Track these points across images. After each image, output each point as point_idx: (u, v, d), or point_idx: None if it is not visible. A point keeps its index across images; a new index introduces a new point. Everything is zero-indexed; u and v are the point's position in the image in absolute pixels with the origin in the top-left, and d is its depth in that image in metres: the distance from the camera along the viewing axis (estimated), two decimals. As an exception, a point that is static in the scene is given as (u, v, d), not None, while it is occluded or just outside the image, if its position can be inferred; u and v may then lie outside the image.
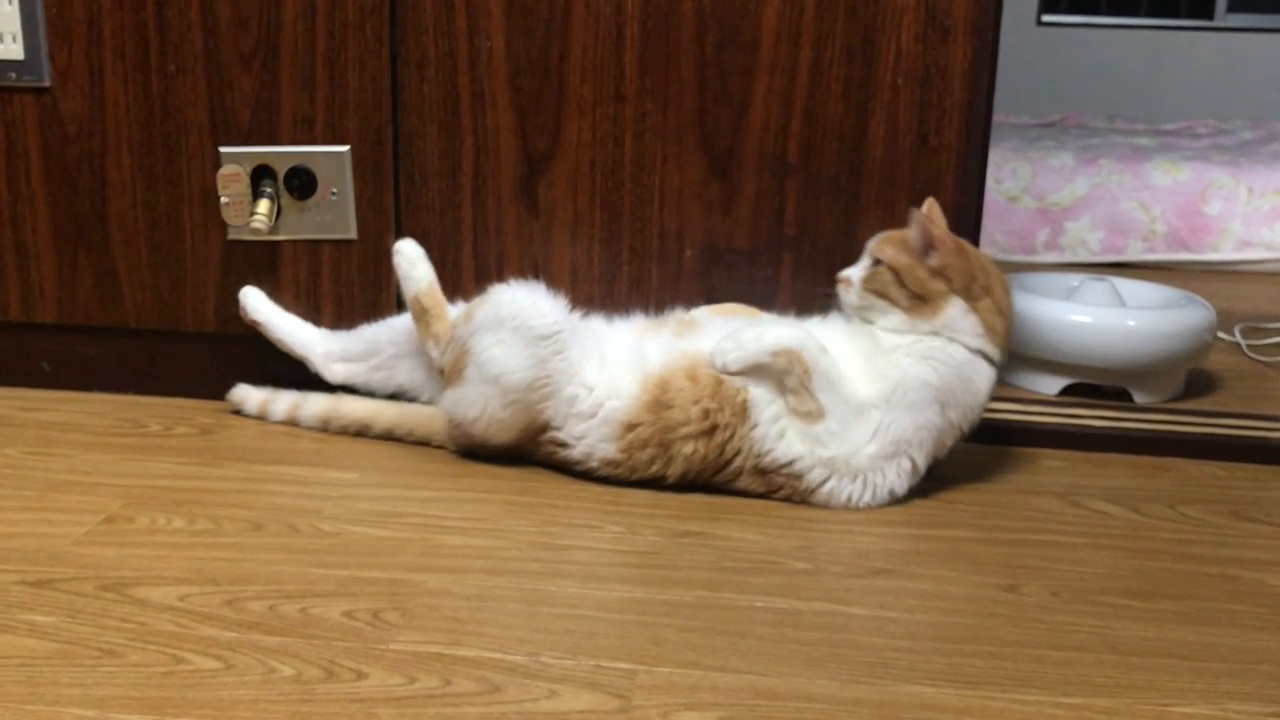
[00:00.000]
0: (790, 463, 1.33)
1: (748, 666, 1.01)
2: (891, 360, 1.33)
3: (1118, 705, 0.97)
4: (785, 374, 1.31)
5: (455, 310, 1.46)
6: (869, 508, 1.34)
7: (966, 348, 1.35)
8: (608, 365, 1.36)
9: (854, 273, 1.38)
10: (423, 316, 1.44)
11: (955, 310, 1.34)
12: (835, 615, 1.10)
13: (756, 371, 1.33)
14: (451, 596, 1.11)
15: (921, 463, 1.35)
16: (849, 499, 1.34)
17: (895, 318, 1.35)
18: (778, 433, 1.32)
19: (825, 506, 1.34)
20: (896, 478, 1.34)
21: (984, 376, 1.37)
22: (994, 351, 1.37)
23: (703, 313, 1.45)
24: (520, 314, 1.34)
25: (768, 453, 1.33)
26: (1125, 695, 0.99)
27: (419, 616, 1.07)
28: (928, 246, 1.34)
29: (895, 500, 1.36)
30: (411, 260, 1.46)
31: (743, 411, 1.32)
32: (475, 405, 1.37)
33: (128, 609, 1.06)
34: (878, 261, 1.37)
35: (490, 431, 1.39)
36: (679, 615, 1.09)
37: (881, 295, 1.36)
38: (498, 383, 1.34)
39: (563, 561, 1.19)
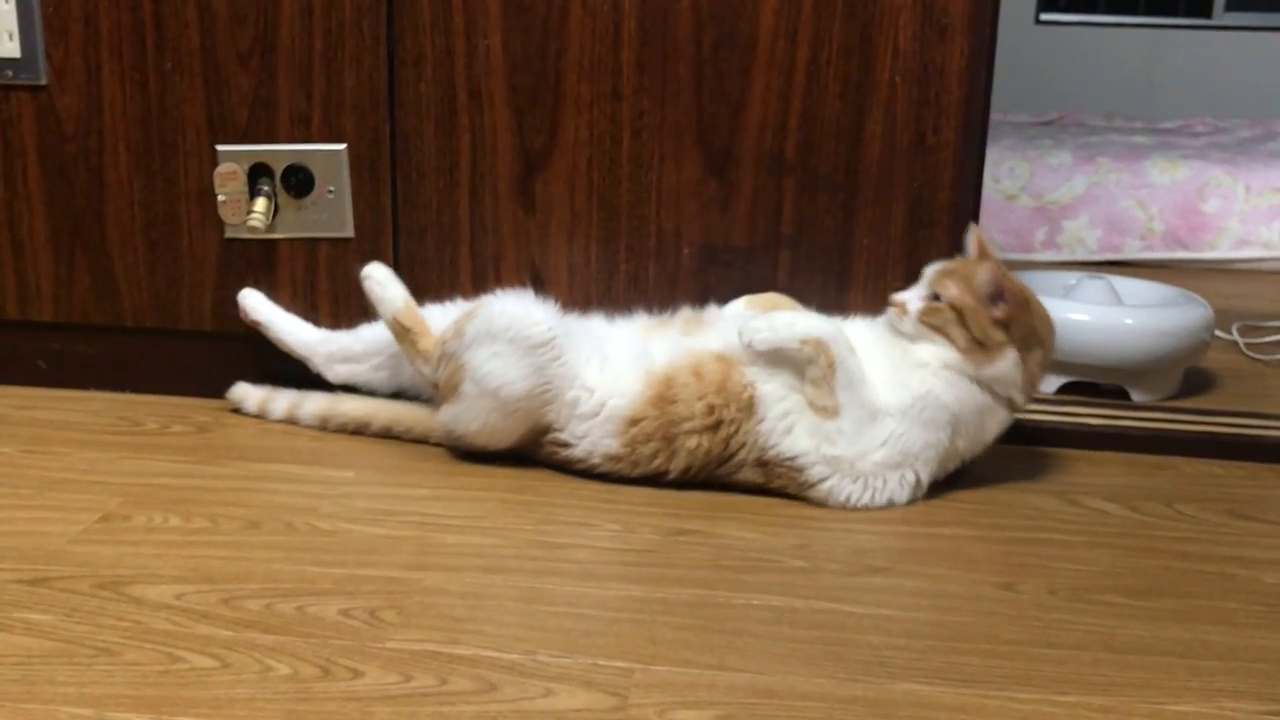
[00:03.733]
0: (794, 457, 1.33)
1: (744, 665, 1.01)
2: (919, 375, 1.33)
3: (1114, 703, 0.97)
4: (809, 364, 1.31)
5: (441, 311, 1.46)
6: (866, 509, 1.35)
7: (995, 394, 1.36)
8: (610, 365, 1.36)
9: (911, 301, 1.36)
10: (405, 336, 1.43)
11: (1008, 362, 1.34)
12: (832, 613, 1.10)
13: (778, 358, 1.33)
14: (448, 595, 1.11)
15: (924, 478, 1.35)
16: (848, 498, 1.34)
17: (947, 354, 1.34)
18: (785, 428, 1.32)
19: (822, 504, 1.34)
20: (899, 488, 1.34)
21: (999, 420, 1.38)
22: (1022, 401, 1.38)
23: (736, 306, 1.46)
24: (513, 325, 1.33)
25: (772, 447, 1.33)
26: (1121, 693, 0.99)
27: (415, 615, 1.07)
28: (996, 296, 1.33)
29: (891, 508, 1.36)
30: (382, 283, 1.44)
31: (749, 407, 1.32)
32: (476, 419, 1.37)
33: (124, 607, 1.06)
34: (937, 296, 1.35)
35: (492, 440, 1.39)
36: (676, 614, 1.09)
37: (939, 331, 1.34)
38: (497, 395, 1.34)
39: (560, 560, 1.19)
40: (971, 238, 1.41)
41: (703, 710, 0.94)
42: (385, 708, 0.93)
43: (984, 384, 1.35)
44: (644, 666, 1.00)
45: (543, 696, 0.95)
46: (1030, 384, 1.37)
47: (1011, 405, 1.38)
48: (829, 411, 1.31)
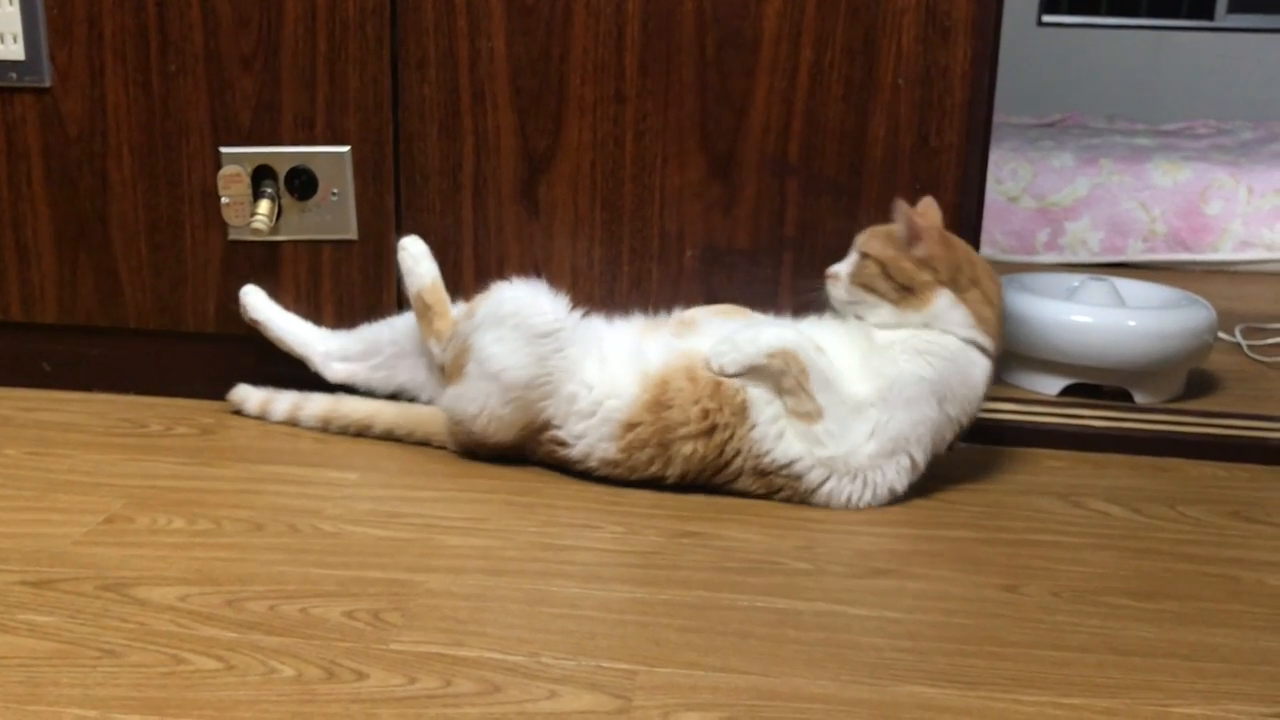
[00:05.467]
0: (790, 463, 1.33)
1: (748, 667, 1.01)
2: (886, 358, 1.33)
3: (1118, 706, 0.97)
4: (782, 375, 1.31)
5: (457, 309, 1.46)
6: (869, 507, 1.34)
7: (959, 339, 1.35)
8: (608, 364, 1.37)
9: (842, 268, 1.39)
10: (425, 314, 1.45)
11: (943, 301, 1.35)
12: (836, 615, 1.10)
13: (754, 373, 1.33)
14: (452, 597, 1.11)
15: (920, 459, 1.35)
16: (849, 499, 1.34)
17: (884, 311, 1.36)
18: (776, 433, 1.32)
19: (825, 506, 1.34)
20: (896, 475, 1.34)
21: (979, 368, 1.37)
22: (987, 342, 1.37)
23: (701, 312, 1.46)
24: (520, 311, 1.35)
25: (766, 453, 1.33)
26: (1126, 696, 0.99)
27: (419, 617, 1.07)
28: (913, 238, 1.34)
29: (895, 498, 1.36)
30: (416, 257, 1.47)
31: (742, 412, 1.32)
32: (475, 402, 1.37)
33: (128, 609, 1.06)
34: (865, 256, 1.37)
35: (490, 429, 1.39)
36: (679, 615, 1.09)
37: (869, 289, 1.36)
38: (498, 379, 1.35)
39: (563, 561, 1.19)
40: (899, 213, 1.39)
41: (706, 712, 0.94)
42: (390, 710, 0.93)
43: (940, 330, 1.34)
44: (648, 668, 1.00)
45: (547, 698, 0.95)
46: (983, 324, 1.36)
47: (982, 350, 1.36)
48: (811, 416, 1.31)
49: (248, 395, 1.57)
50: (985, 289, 1.37)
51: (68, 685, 0.94)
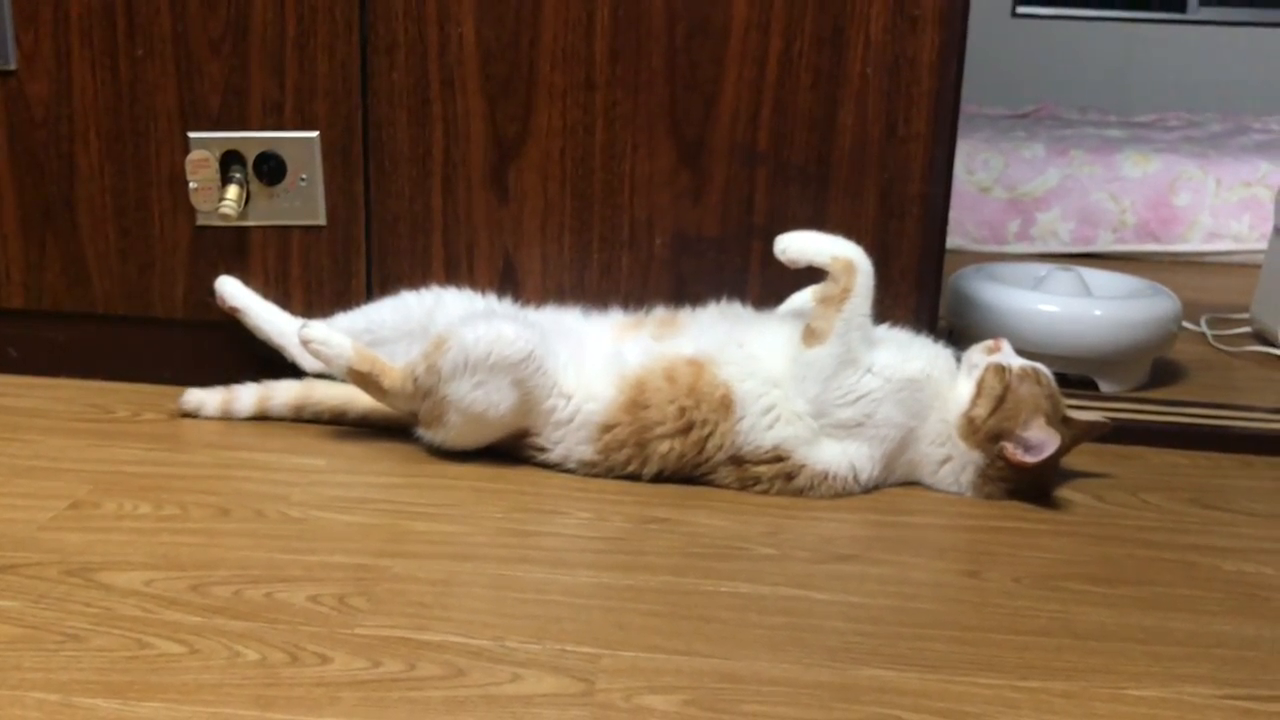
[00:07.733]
0: (775, 445, 1.33)
1: (711, 650, 1.02)
2: (916, 364, 1.34)
3: (1075, 688, 0.98)
4: (829, 280, 1.31)
5: (348, 319, 1.49)
6: (836, 481, 1.35)
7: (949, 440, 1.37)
8: (584, 370, 1.37)
9: (1006, 356, 1.38)
10: (366, 381, 1.40)
11: (979, 457, 1.35)
12: (799, 600, 1.11)
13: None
14: (418, 582, 1.11)
15: (877, 457, 1.35)
16: (825, 469, 1.34)
17: (951, 406, 1.36)
18: (767, 424, 1.33)
19: (805, 489, 1.34)
20: (857, 452, 1.34)
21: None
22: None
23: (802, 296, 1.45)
24: (492, 350, 1.31)
25: (752, 443, 1.33)
26: (1082, 678, 1.00)
27: (385, 601, 1.07)
28: (1029, 450, 1.32)
29: (856, 478, 1.35)
30: (324, 340, 1.39)
31: (724, 407, 1.32)
32: (462, 440, 1.39)
33: (92, 594, 1.06)
34: (1007, 384, 1.34)
35: (473, 444, 1.40)
36: (644, 600, 1.10)
37: (981, 387, 1.35)
38: (484, 418, 1.35)
39: (530, 547, 1.20)
40: (1042, 426, 1.34)
41: (669, 695, 0.95)
42: (353, 693, 0.93)
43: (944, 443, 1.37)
44: (612, 652, 1.01)
45: (510, 682, 0.96)
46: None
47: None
48: (818, 335, 1.31)
49: (203, 400, 1.51)
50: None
51: (30, 669, 0.94)
